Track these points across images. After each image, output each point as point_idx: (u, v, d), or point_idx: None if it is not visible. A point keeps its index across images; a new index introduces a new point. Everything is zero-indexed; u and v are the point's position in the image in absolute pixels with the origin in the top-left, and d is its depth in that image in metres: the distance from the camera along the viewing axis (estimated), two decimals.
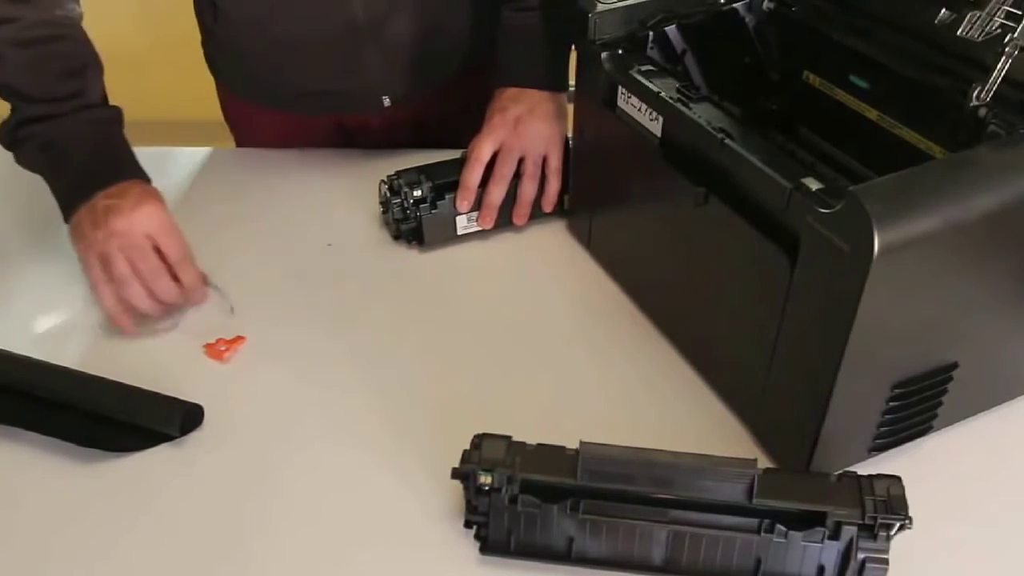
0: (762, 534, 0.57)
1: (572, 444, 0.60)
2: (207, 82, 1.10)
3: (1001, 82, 0.60)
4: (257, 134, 1.08)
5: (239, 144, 1.13)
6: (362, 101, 0.99)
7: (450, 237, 0.89)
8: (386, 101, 0.99)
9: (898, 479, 0.57)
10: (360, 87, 0.97)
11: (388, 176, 0.88)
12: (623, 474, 0.58)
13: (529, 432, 0.61)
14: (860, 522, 0.56)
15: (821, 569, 0.58)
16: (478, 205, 0.88)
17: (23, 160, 0.83)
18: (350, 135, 1.07)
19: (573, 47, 0.83)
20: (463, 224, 0.89)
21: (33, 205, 0.97)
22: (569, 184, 0.90)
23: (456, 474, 0.60)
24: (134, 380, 0.73)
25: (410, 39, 0.95)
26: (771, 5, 0.82)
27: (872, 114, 0.75)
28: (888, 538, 0.56)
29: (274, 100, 1.02)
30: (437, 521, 0.64)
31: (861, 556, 0.57)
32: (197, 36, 1.05)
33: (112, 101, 0.86)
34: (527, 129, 0.87)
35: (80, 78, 0.82)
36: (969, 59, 0.63)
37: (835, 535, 0.57)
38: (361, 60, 0.95)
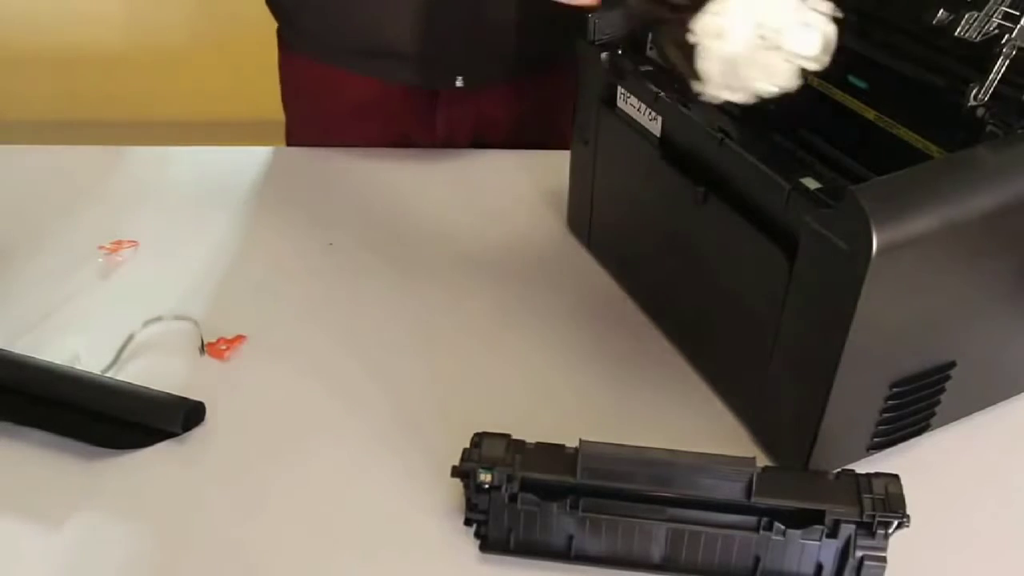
0: (760, 532, 0.58)
1: (572, 443, 0.60)
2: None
3: (999, 82, 0.61)
4: (312, 103, 1.05)
5: (291, 119, 1.10)
6: (433, 74, 0.95)
7: None
8: (459, 82, 0.95)
9: (896, 477, 0.58)
10: (435, 57, 0.94)
11: None
12: (623, 472, 0.58)
13: (529, 431, 0.62)
14: (858, 520, 0.56)
15: (819, 567, 0.58)
16: None
17: None
18: (404, 129, 1.04)
19: None
20: None
21: (33, 205, 0.97)
22: (569, 185, 0.90)
23: (456, 472, 0.60)
24: (136, 379, 0.73)
25: (500, 16, 0.91)
26: None
27: (870, 114, 0.75)
28: (886, 536, 0.57)
29: (340, 56, 0.98)
30: (437, 519, 0.64)
31: (859, 554, 0.57)
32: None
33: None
34: None
35: None
36: (967, 59, 0.63)
37: (833, 533, 0.57)
38: (443, 26, 0.91)
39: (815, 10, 0.60)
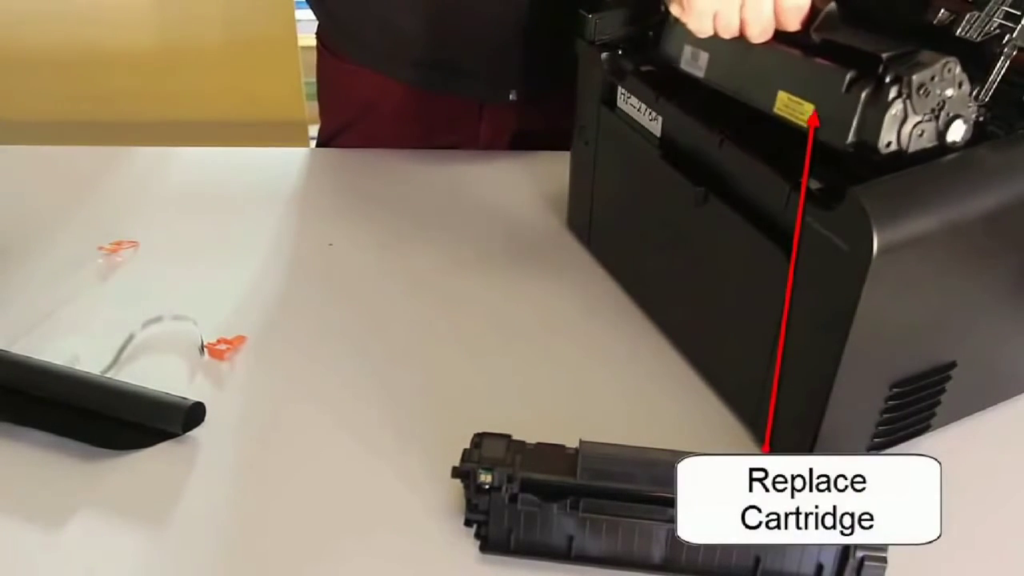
0: None
1: (572, 443, 0.60)
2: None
3: (1000, 82, 0.61)
4: (355, 109, 1.04)
5: (329, 124, 1.09)
6: (488, 88, 0.96)
7: None
8: (512, 95, 0.95)
9: None
10: (492, 72, 0.94)
11: None
12: (623, 473, 0.58)
13: (529, 431, 0.62)
14: None
15: (820, 568, 0.58)
16: None
17: None
18: (447, 138, 1.04)
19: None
20: None
21: (33, 205, 0.97)
22: (569, 185, 0.90)
23: (456, 473, 0.60)
24: (136, 379, 0.73)
25: (554, 31, 0.89)
26: None
27: None
28: None
29: (394, 66, 0.97)
30: (437, 519, 0.64)
31: (860, 554, 0.57)
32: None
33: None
34: None
35: None
36: (968, 60, 0.63)
37: None
38: (501, 42, 0.91)
39: None
